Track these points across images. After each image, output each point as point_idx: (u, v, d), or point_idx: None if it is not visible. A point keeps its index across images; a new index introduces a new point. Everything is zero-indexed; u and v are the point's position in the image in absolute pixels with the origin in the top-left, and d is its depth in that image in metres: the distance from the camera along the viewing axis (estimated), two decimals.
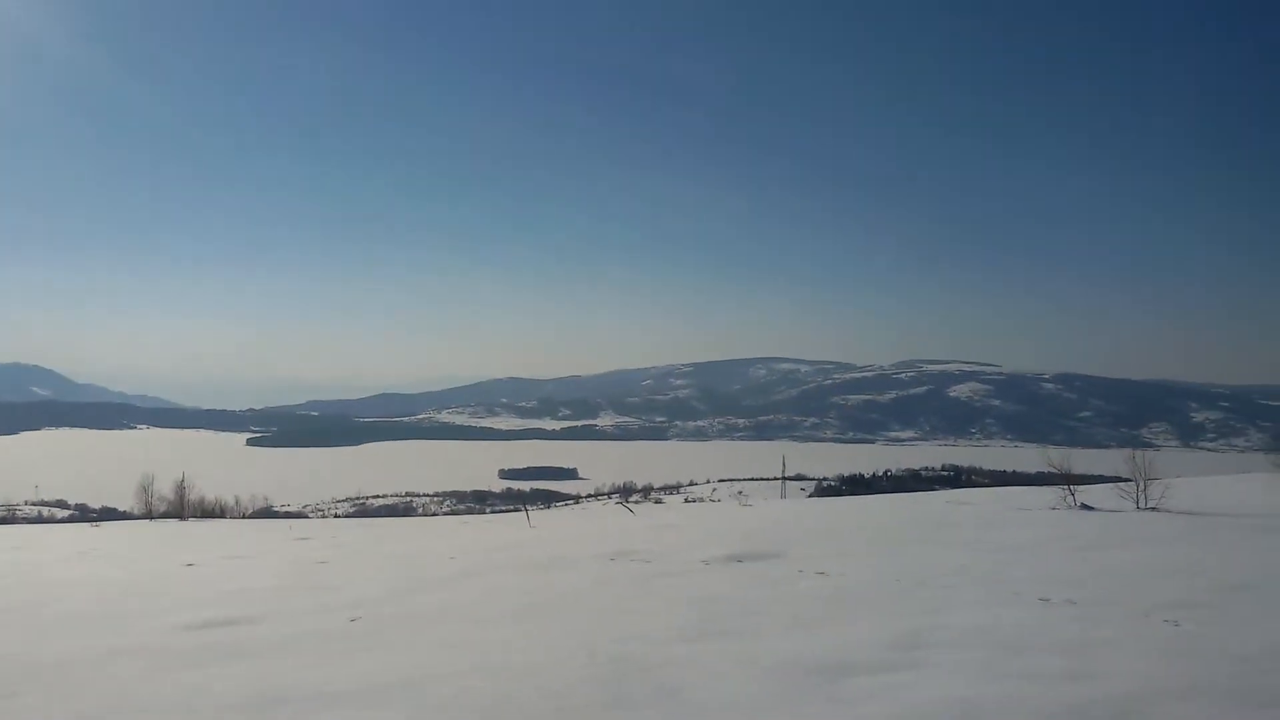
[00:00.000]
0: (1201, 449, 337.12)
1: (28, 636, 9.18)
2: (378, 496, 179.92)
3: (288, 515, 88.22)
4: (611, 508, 30.77)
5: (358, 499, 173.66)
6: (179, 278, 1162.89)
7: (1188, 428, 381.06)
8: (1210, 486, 26.08)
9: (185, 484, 54.69)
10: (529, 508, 29.96)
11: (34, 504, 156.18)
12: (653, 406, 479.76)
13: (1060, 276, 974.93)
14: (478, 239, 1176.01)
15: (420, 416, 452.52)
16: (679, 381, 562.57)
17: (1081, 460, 27.57)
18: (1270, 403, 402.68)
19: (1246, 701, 6.18)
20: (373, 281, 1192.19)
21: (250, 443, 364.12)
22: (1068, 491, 21.30)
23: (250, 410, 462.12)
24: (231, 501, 62.87)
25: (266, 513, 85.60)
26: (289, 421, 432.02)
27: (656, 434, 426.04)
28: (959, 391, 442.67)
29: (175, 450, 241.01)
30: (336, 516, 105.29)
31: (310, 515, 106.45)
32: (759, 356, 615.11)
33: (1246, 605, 9.47)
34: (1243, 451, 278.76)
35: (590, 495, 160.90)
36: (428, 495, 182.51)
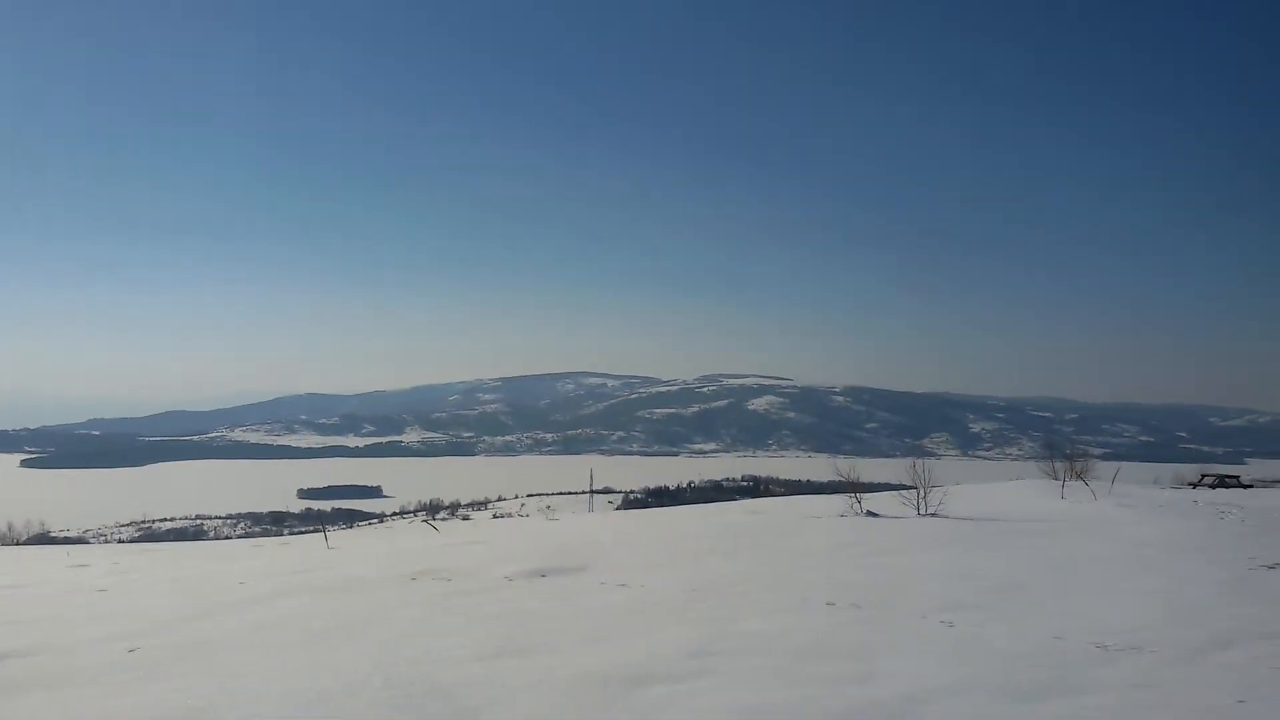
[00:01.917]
0: (979, 457, 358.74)
1: None
2: (166, 520, 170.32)
3: (66, 541, 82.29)
4: (416, 526, 30.17)
5: (144, 523, 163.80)
6: None
7: (966, 437, 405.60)
8: (986, 493, 27.81)
9: None
10: (329, 528, 28.97)
11: None
12: (460, 422, 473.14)
13: (847, 291, 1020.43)
14: (270, 248, 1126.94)
15: (212, 435, 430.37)
16: (487, 396, 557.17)
17: (868, 469, 28.97)
18: (1041, 414, 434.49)
19: (1011, 696, 6.67)
20: (158, 293, 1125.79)
21: (25, 464, 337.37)
22: (855, 499, 22.29)
23: (25, 429, 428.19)
24: (3, 527, 58.33)
25: (43, 539, 79.72)
26: (68, 441, 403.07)
27: (464, 450, 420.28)
28: (757, 405, 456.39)
29: None
30: (120, 541, 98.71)
31: (91, 540, 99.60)
32: (567, 371, 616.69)
33: (1014, 605, 10.19)
34: (1016, 460, 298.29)
35: (395, 514, 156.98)
36: (220, 518, 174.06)
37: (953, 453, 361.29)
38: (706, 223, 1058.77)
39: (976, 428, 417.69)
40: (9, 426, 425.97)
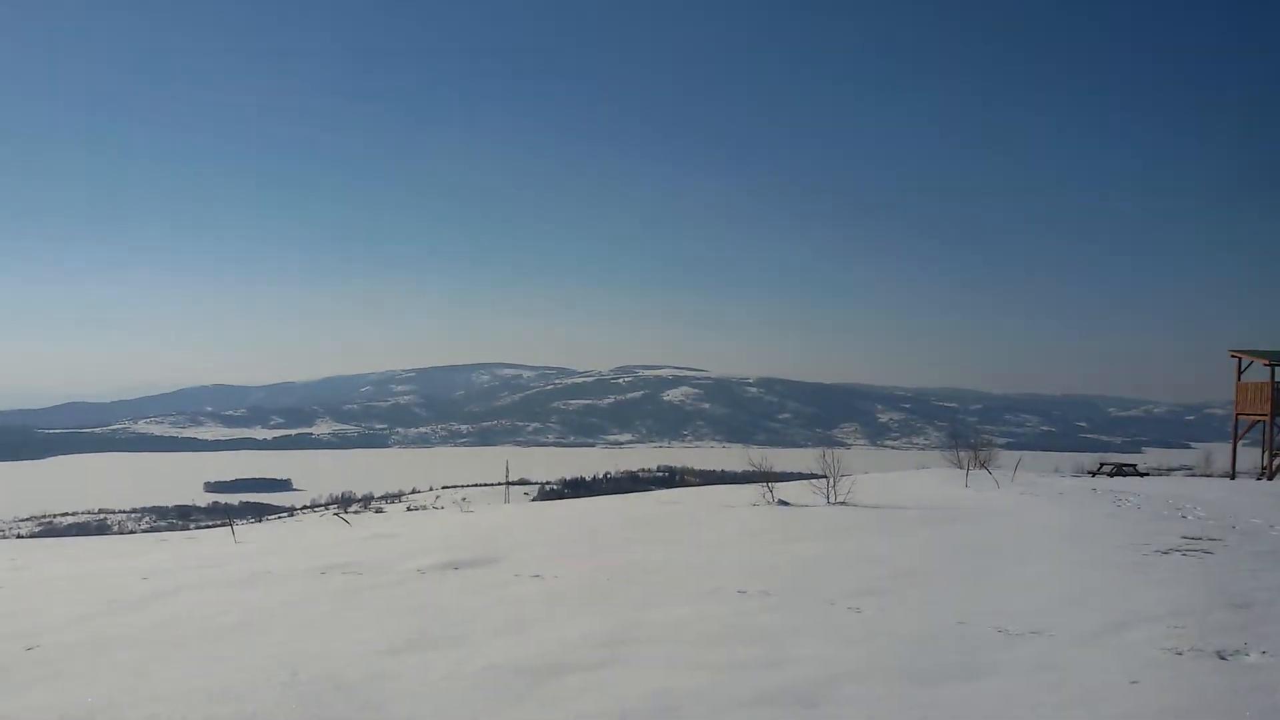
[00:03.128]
0: (887, 446, 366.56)
1: None
2: (67, 514, 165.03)
3: None
4: (327, 520, 29.64)
5: (44, 517, 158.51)
6: None
7: (875, 427, 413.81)
8: (893, 481, 28.35)
9: None
10: (236, 522, 28.29)
11: None
12: (373, 414, 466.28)
13: (760, 283, 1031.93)
14: (172, 234, 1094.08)
15: (114, 427, 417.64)
16: (400, 388, 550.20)
17: (781, 459, 29.35)
18: (945, 404, 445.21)
19: (914, 679, 6.83)
20: (55, 280, 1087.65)
21: None
22: (767, 489, 22.54)
23: None
24: None
25: None
26: None
27: (377, 442, 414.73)
28: (672, 396, 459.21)
29: None
30: (19, 537, 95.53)
31: None
32: (482, 362, 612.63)
33: (919, 590, 10.42)
34: (922, 449, 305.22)
35: (306, 507, 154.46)
36: (124, 512, 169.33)
37: (862, 442, 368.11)
38: (620, 212, 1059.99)
39: (884, 418, 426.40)
40: None
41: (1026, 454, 40.63)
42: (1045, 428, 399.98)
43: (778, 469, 25.86)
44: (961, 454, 32.14)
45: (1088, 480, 30.84)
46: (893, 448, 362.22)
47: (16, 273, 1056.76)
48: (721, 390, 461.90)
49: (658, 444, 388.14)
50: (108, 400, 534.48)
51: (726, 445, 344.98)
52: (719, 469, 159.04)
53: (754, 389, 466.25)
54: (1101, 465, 39.44)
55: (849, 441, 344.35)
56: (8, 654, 8.39)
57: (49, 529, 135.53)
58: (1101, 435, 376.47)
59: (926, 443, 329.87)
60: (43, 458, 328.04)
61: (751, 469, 24.33)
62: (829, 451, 24.22)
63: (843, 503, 21.27)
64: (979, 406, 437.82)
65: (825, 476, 22.58)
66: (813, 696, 6.44)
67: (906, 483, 27.62)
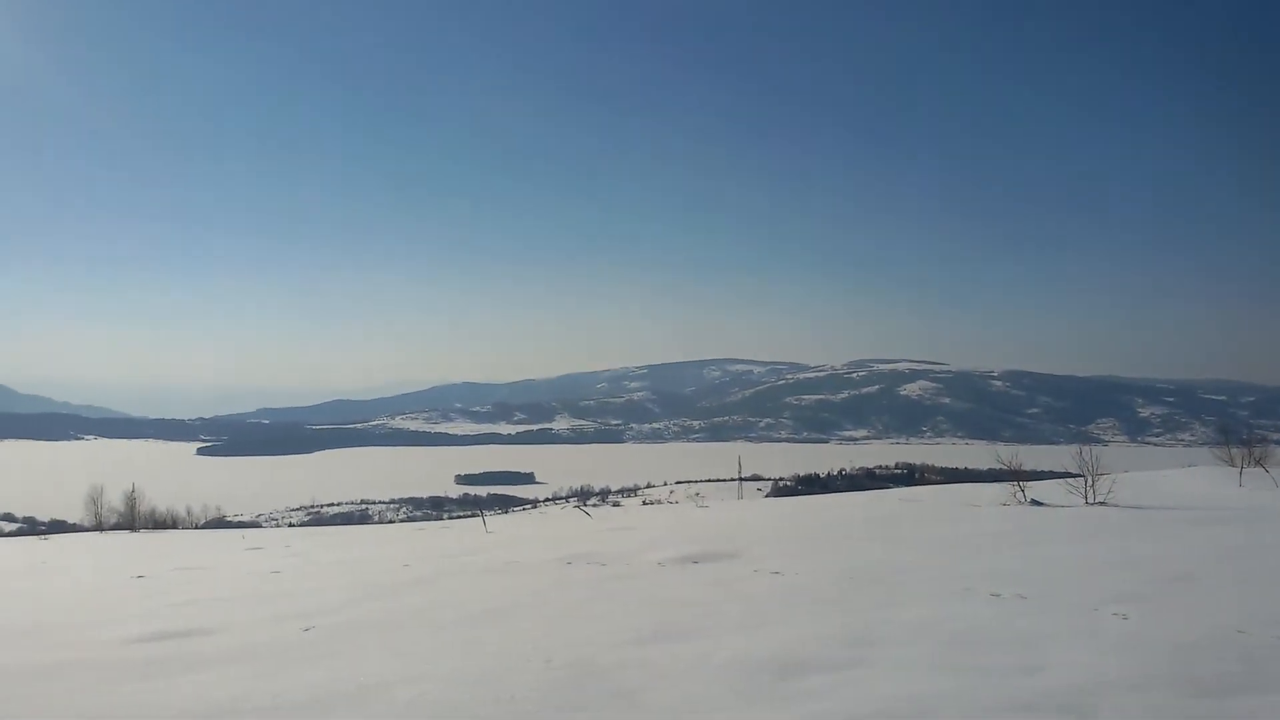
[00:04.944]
0: (1148, 444, 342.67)
1: None
2: (332, 505, 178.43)
3: (240, 525, 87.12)
4: (569, 511, 30.68)
5: (312, 508, 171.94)
6: (125, 285, 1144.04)
7: (1134, 423, 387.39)
8: (1157, 480, 26.53)
9: (135, 495, 53.74)
10: (486, 513, 29.68)
11: None
12: (608, 409, 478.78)
13: (1001, 272, 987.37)
14: (429, 244, 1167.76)
15: (374, 423, 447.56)
16: (633, 384, 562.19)
17: (1031, 456, 27.94)
18: (1213, 397, 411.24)
19: (1187, 690, 6.31)
20: (323, 288, 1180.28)
21: (201, 452, 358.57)
22: (1017, 488, 21.57)
23: (200, 419, 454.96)
24: (183, 512, 61.91)
25: (219, 523, 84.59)
26: (240, 430, 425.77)
27: (612, 437, 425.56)
28: (909, 390, 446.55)
29: (125, 461, 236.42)
30: (291, 526, 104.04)
31: (264, 525, 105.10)
32: (713, 358, 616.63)
33: (1188, 596, 9.66)
34: (1188, 446, 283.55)
35: (548, 499, 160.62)
36: (383, 502, 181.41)
37: (1120, 439, 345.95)
38: (855, 205, 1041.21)
39: (1145, 413, 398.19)
40: (185, 417, 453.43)
41: None
42: None
43: (1027, 467, 24.65)
44: (1234, 451, 29.59)
45: None
46: (1155, 445, 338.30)
47: (292, 283, 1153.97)
48: (963, 384, 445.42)
49: (894, 440, 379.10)
50: (369, 398, 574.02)
51: (969, 442, 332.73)
52: (962, 466, 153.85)
53: (999, 382, 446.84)
54: None
55: (1106, 438, 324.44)
56: (288, 634, 9.11)
57: (317, 518, 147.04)
58: None
59: (1193, 439, 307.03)
60: (311, 451, 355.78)
61: (999, 467, 23.36)
62: (1085, 449, 22.90)
63: (1102, 503, 20.08)
64: (1251, 399, 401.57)
65: (1082, 475, 21.38)
66: (1079, 705, 6.05)
67: (1172, 482, 25.76)
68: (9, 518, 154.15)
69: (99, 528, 51.77)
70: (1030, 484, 23.24)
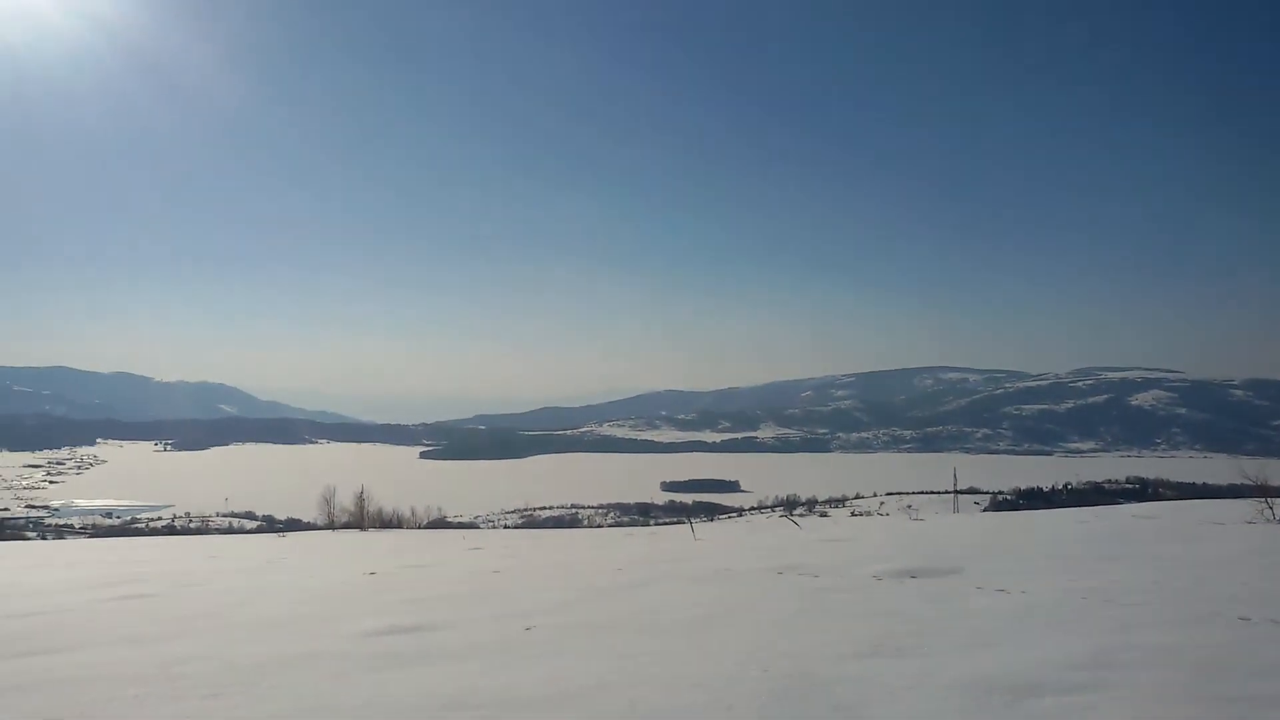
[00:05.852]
0: None
1: (225, 640, 9.69)
2: (544, 508, 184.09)
3: (460, 526, 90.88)
4: (776, 520, 30.45)
5: (525, 510, 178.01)
6: (354, 299, 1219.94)
7: None
8: None
9: (364, 496, 57.05)
10: (692, 520, 29.89)
11: (224, 515, 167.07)
12: (813, 418, 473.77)
13: (1247, 278, 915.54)
14: (637, 254, 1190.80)
15: (582, 429, 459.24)
16: (840, 392, 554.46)
17: (1278, 472, 25.78)
18: None
19: None
20: (532, 298, 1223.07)
21: (423, 456, 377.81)
22: (1265, 505, 19.94)
23: (422, 425, 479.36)
24: (408, 513, 65.15)
25: (440, 523, 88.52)
26: (458, 435, 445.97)
27: (818, 446, 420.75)
28: (1141, 400, 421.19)
29: (353, 464, 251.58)
30: (506, 527, 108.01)
31: (481, 526, 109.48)
32: (924, 366, 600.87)
33: None
34: None
35: (753, 508, 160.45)
36: (592, 507, 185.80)
37: None
38: (1073, 205, 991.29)
39: None
40: (409, 422, 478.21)
41: None
42: None
43: (1275, 483, 22.72)
44: None
45: None
46: None
47: (502, 291, 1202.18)
48: (1201, 393, 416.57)
49: (1124, 453, 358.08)
50: (578, 405, 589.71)
51: (1208, 455, 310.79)
52: (1199, 482, 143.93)
53: (1240, 391, 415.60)
54: None
55: None
56: (511, 633, 9.41)
57: (530, 520, 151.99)
58: None
59: None
60: (523, 456, 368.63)
61: (1244, 482, 21.66)
62: None
63: None
64: None
65: None
66: None
67: None
68: (250, 515, 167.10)
69: (331, 526, 55.23)
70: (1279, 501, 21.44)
